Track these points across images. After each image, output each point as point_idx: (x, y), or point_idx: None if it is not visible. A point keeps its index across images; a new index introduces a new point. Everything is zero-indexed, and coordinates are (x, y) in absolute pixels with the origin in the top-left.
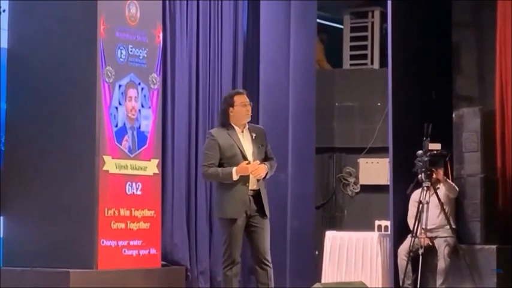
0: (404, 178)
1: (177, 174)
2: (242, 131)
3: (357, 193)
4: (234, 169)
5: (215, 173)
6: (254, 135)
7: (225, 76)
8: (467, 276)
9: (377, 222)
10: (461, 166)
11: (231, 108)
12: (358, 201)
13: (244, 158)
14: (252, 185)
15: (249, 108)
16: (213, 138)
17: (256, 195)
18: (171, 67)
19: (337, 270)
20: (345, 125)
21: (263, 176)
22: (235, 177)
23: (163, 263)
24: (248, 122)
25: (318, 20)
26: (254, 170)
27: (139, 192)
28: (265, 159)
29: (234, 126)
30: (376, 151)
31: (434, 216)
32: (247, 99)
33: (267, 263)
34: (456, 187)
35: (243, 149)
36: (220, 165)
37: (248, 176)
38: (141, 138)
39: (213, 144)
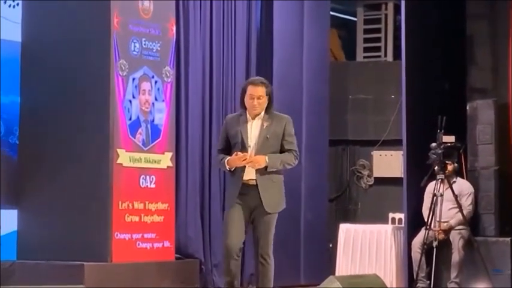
0: (418, 170)
1: (191, 167)
2: (253, 119)
3: (370, 186)
4: (226, 160)
5: (217, 159)
6: (266, 124)
7: (239, 69)
8: (481, 269)
9: (391, 215)
10: (475, 158)
11: (244, 96)
12: (372, 194)
13: (243, 147)
14: (248, 176)
15: (256, 102)
16: (224, 124)
17: (258, 187)
18: (185, 60)
19: (351, 263)
20: (359, 117)
21: (258, 168)
22: (227, 167)
23: (177, 256)
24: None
25: (331, 13)
26: (247, 161)
27: (153, 186)
28: (282, 150)
29: (247, 113)
30: (390, 143)
31: (448, 208)
32: (258, 92)
33: (264, 259)
34: (471, 212)
35: (246, 138)
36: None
37: (244, 166)
38: (155, 131)
39: (223, 130)
